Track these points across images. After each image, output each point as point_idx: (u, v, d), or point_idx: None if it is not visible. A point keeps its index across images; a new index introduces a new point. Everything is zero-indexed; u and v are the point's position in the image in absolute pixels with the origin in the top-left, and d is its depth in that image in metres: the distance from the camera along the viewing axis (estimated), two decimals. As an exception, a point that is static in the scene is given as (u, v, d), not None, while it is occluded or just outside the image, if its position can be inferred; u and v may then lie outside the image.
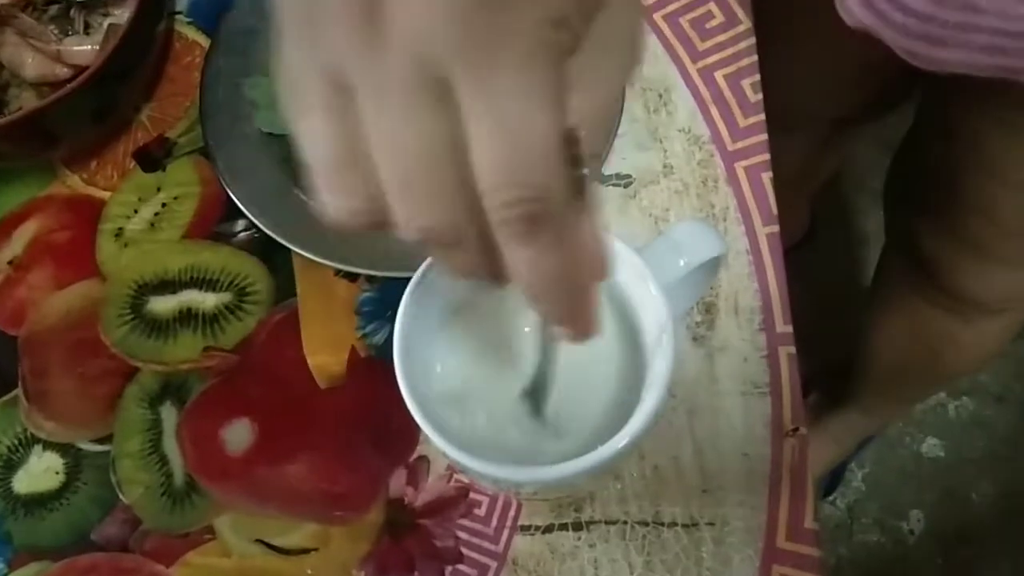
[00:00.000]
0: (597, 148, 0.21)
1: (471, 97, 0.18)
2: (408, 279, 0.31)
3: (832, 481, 1.14)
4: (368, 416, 0.42)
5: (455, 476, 0.40)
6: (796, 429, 0.40)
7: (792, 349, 0.41)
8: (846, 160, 1.09)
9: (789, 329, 0.42)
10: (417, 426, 0.29)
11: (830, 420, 1.07)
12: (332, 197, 0.20)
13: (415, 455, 0.41)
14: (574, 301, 0.22)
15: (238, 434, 0.42)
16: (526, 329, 0.34)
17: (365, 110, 0.19)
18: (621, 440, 0.28)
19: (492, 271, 0.21)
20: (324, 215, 0.21)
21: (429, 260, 0.31)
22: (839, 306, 1.19)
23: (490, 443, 0.32)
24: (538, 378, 0.31)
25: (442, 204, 0.19)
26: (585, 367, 0.33)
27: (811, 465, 0.39)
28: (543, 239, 0.20)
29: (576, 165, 0.20)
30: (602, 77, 0.21)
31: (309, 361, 0.43)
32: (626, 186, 0.45)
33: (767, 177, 0.44)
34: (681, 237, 0.32)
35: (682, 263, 0.31)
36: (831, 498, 1.14)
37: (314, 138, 0.20)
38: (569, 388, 0.33)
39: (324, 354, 0.43)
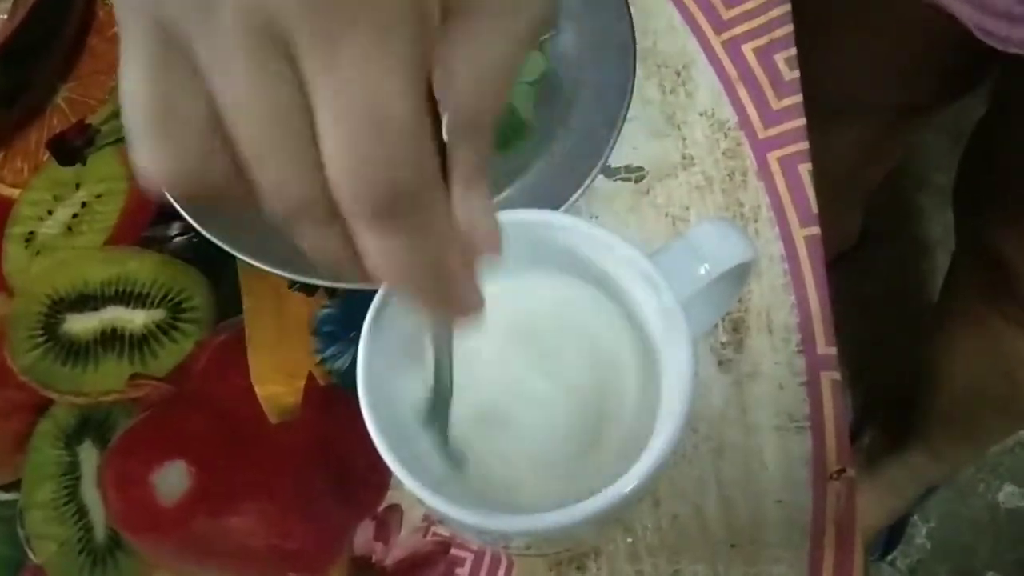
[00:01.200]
0: (482, 119, 0.23)
1: (315, 71, 0.19)
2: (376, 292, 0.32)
3: (891, 538, 1.14)
4: (329, 457, 0.42)
5: (433, 528, 0.41)
6: (842, 471, 0.40)
7: (836, 375, 0.42)
8: (907, 153, 1.11)
9: (833, 351, 0.42)
10: (388, 468, 0.30)
11: (888, 464, 1.07)
12: (155, 160, 0.20)
13: (385, 504, 0.41)
14: (443, 285, 0.23)
15: (172, 479, 0.42)
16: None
17: (204, 67, 0.20)
18: (628, 483, 0.28)
19: (356, 256, 0.22)
20: (147, 177, 0.21)
21: None
22: (897, 327, 1.20)
23: (476, 487, 0.33)
24: (436, 393, 0.32)
25: (299, 177, 0.20)
26: (587, 394, 0.34)
27: (863, 517, 0.40)
28: (398, 229, 0.21)
29: (474, 139, 0.22)
30: (483, 41, 0.22)
31: (258, 391, 0.43)
32: (638, 180, 0.46)
33: (805, 169, 0.45)
34: (702, 239, 0.32)
35: (703, 271, 0.32)
36: (890, 558, 1.14)
37: (134, 91, 0.20)
38: (570, 419, 0.33)
39: (276, 383, 0.43)
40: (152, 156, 0.21)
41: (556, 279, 0.35)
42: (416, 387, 0.34)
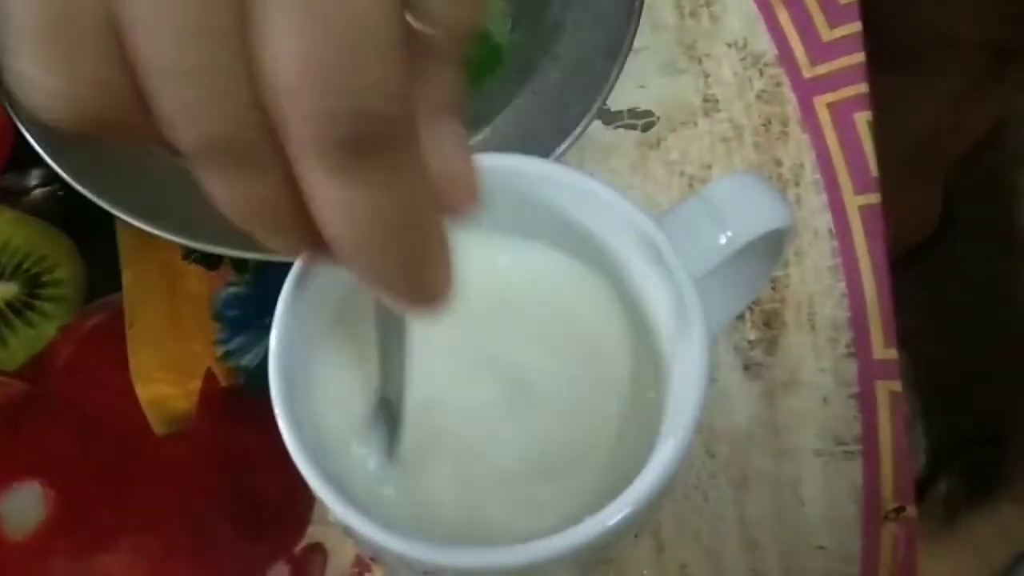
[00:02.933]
0: (459, 30, 0.22)
1: None
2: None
3: (974, 613, 1.15)
4: (231, 479, 0.42)
5: (366, 574, 0.41)
6: (901, 509, 0.41)
7: (897, 385, 0.43)
8: (1002, 118, 1.11)
9: (893, 355, 0.43)
10: (309, 495, 0.30)
11: (971, 520, 1.08)
12: (43, 72, 0.20)
13: (304, 542, 0.41)
14: (414, 256, 0.23)
15: (22, 506, 0.42)
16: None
17: None
18: (615, 514, 0.29)
19: (297, 215, 0.22)
20: (31, 101, 0.21)
21: None
22: (985, 344, 1.21)
23: (424, 515, 0.33)
24: (385, 393, 0.32)
25: (225, 96, 0.20)
26: (567, 398, 0.34)
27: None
28: (373, 174, 0.21)
29: (446, 57, 0.22)
30: None
31: (139, 392, 0.43)
32: (645, 129, 0.46)
33: (863, 119, 0.46)
34: (723, 198, 0.32)
35: (724, 239, 0.32)
36: (972, 640, 1.15)
37: None
38: (544, 427, 0.34)
39: (163, 382, 0.43)
40: (43, 71, 0.20)
41: (533, 246, 0.36)
42: (350, 385, 0.35)
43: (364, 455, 0.33)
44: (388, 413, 0.33)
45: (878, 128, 0.47)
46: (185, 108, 0.20)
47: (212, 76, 0.20)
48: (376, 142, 0.20)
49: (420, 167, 0.22)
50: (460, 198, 0.24)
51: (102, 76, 0.20)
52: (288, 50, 0.19)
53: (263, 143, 0.20)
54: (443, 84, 0.23)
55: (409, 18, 0.21)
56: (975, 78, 0.81)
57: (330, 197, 0.21)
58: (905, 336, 0.44)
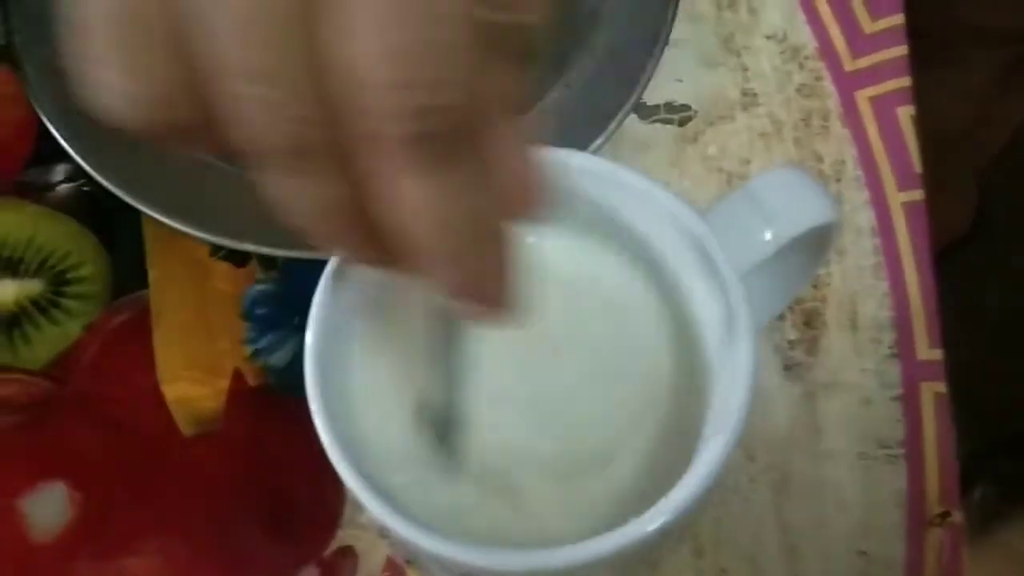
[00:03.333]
0: (532, 7, 0.22)
1: None
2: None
3: (1012, 622, 1.14)
4: (260, 481, 0.42)
5: (398, 579, 0.41)
6: (947, 514, 0.41)
7: (942, 387, 0.42)
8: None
9: (938, 356, 0.43)
10: (340, 497, 0.30)
11: (1007, 527, 1.08)
12: (114, 74, 0.20)
13: (334, 545, 0.41)
14: (487, 257, 0.23)
15: (49, 507, 0.42)
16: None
17: None
18: (653, 520, 0.29)
19: (362, 218, 0.22)
20: (101, 107, 0.21)
21: None
22: (1023, 347, 1.20)
23: (463, 515, 0.33)
24: (442, 400, 0.32)
25: (299, 97, 0.20)
26: (605, 395, 0.34)
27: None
28: (456, 170, 0.20)
29: (512, 53, 0.21)
30: None
31: (166, 392, 0.43)
32: (682, 123, 0.46)
33: (906, 114, 0.45)
34: (767, 193, 0.32)
35: (768, 236, 0.32)
36: (1009, 650, 1.14)
37: None
38: (579, 425, 0.34)
39: (191, 382, 0.43)
40: (114, 73, 0.20)
41: (573, 240, 0.35)
42: (389, 384, 0.35)
43: (404, 453, 0.33)
44: (435, 420, 0.33)
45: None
46: (254, 110, 0.20)
47: (282, 76, 0.19)
48: (459, 139, 0.20)
49: (500, 163, 0.22)
50: (527, 202, 0.24)
51: (173, 78, 0.20)
52: (369, 45, 0.19)
53: (333, 144, 0.20)
54: (508, 81, 0.22)
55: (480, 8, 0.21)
56: (1006, 70, 0.81)
57: (410, 196, 0.21)
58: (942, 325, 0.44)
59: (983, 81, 0.82)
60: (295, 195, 0.22)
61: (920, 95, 0.47)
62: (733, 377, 0.30)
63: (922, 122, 0.46)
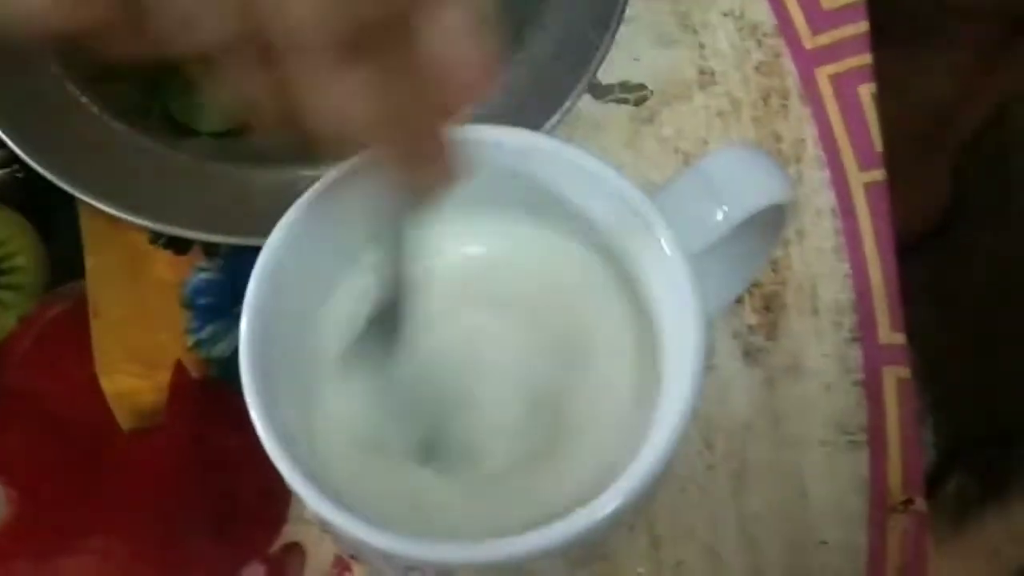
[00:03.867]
0: None
1: None
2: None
3: (989, 617, 1.15)
4: (203, 477, 0.42)
5: (347, 574, 0.41)
6: (910, 502, 0.41)
7: (905, 371, 0.42)
8: (1013, 93, 1.11)
9: (901, 339, 0.43)
10: (287, 491, 0.30)
11: (982, 520, 1.08)
12: None
13: (281, 542, 0.41)
14: (421, 136, 0.25)
15: (-18, 506, 0.41)
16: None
17: None
18: (606, 505, 0.28)
19: (284, 99, 0.23)
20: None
21: (299, 204, 0.32)
22: (998, 337, 1.20)
23: (411, 509, 0.33)
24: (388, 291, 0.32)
25: (218, 14, 0.21)
26: (558, 382, 0.34)
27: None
28: (379, 61, 0.22)
29: None
30: None
31: (104, 386, 0.43)
32: (638, 103, 0.46)
33: (868, 91, 0.45)
34: (719, 172, 0.32)
35: (721, 215, 0.32)
36: (985, 643, 1.15)
37: None
38: (531, 412, 0.33)
39: (130, 375, 0.43)
40: None
41: (523, 224, 0.35)
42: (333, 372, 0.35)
43: (355, 442, 0.33)
44: (393, 317, 0.32)
45: (882, 104, 0.46)
46: (182, 22, 0.21)
47: None
48: (378, 33, 0.21)
49: (418, 51, 0.23)
50: (474, 82, 0.25)
51: None
52: None
53: (259, 44, 0.21)
54: None
55: None
56: (985, 50, 0.81)
57: (333, 89, 0.22)
58: (913, 328, 0.43)
59: (958, 61, 0.82)
60: (230, 87, 0.23)
61: (892, 75, 0.47)
62: (683, 359, 0.30)
63: (893, 103, 0.46)
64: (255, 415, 0.30)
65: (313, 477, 0.30)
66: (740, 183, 0.32)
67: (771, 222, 0.34)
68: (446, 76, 0.24)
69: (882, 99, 0.46)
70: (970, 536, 1.09)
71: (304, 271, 0.33)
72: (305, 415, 0.34)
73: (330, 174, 0.32)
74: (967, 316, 1.19)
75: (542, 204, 0.34)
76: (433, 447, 0.34)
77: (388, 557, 0.30)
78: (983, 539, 1.08)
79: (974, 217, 1.23)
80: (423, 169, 0.26)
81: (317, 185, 0.32)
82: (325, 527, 0.31)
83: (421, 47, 0.23)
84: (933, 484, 1.09)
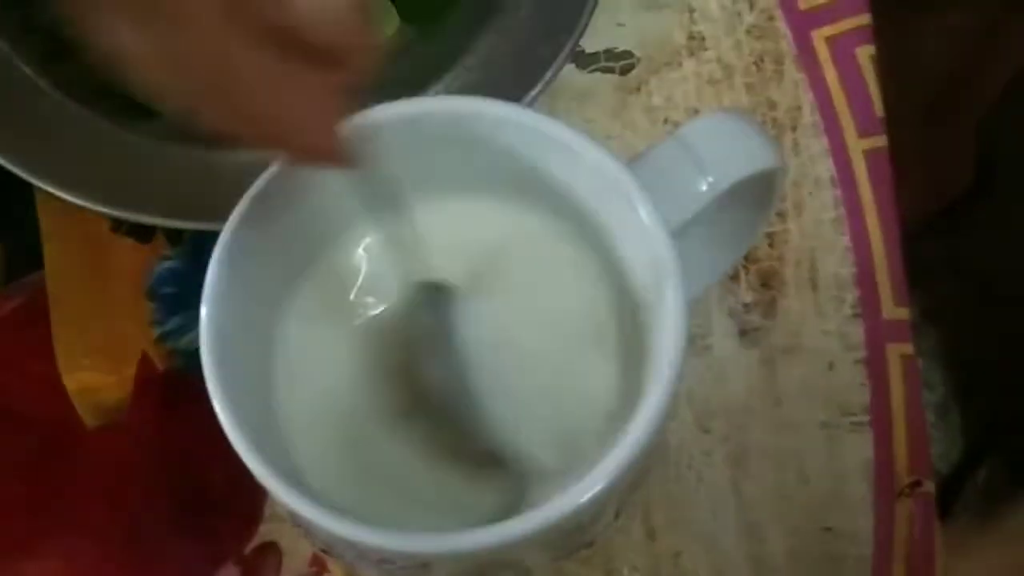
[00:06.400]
0: None
1: None
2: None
3: (1020, 611, 1.15)
4: (171, 473, 0.42)
5: (326, 574, 0.41)
6: (917, 484, 0.41)
7: (909, 348, 0.43)
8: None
9: (904, 314, 0.43)
10: (261, 489, 0.30)
11: (1014, 510, 1.08)
12: None
13: (256, 541, 0.42)
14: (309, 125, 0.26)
15: (-61, 510, 0.42)
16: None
17: None
18: (585, 491, 0.29)
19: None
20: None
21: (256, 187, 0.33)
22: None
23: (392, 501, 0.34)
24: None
25: None
26: (538, 366, 0.35)
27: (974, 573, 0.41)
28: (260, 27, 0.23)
29: None
30: None
31: (66, 381, 0.43)
32: (624, 72, 0.46)
33: (866, 54, 0.46)
34: (701, 139, 0.32)
35: (704, 185, 0.32)
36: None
37: None
38: (510, 399, 0.34)
39: (92, 369, 0.43)
40: None
41: (498, 202, 0.36)
42: (296, 361, 0.35)
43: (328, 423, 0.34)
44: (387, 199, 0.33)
45: (891, 70, 0.47)
46: None
47: None
48: None
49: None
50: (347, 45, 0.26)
51: None
52: None
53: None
54: None
55: None
56: (996, 11, 0.81)
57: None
58: (935, 307, 0.44)
59: (967, 23, 0.82)
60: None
61: (901, 39, 0.47)
62: (662, 336, 0.30)
63: (904, 68, 0.46)
64: (218, 406, 0.31)
65: (280, 468, 0.30)
66: (724, 150, 0.33)
67: (760, 192, 0.34)
68: (323, 42, 0.25)
69: (890, 64, 0.47)
70: (1001, 527, 1.09)
71: (266, 254, 0.33)
72: (267, 401, 0.34)
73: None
74: (995, 291, 1.19)
75: (520, 180, 0.34)
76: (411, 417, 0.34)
77: (361, 550, 0.30)
78: (1016, 530, 1.08)
79: (1004, 185, 1.23)
80: (312, 157, 0.28)
81: (274, 166, 0.33)
82: (294, 520, 0.31)
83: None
84: (962, 475, 1.09)
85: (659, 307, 0.31)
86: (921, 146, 0.45)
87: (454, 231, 0.36)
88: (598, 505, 0.29)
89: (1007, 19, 0.83)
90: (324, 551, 0.38)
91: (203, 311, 0.32)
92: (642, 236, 0.32)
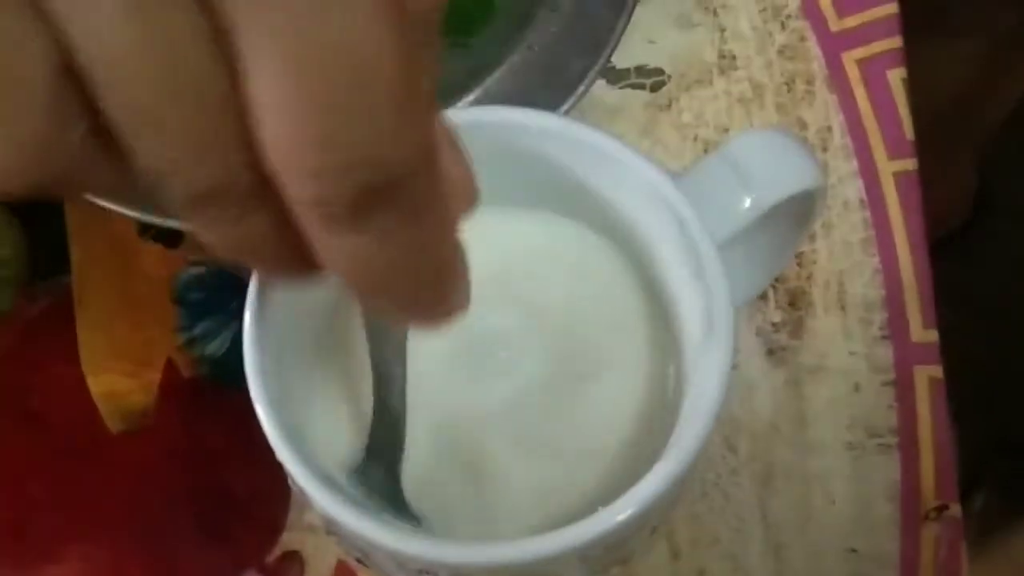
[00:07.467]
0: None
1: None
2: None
3: (1014, 639, 1.15)
4: (194, 480, 0.42)
5: (350, 584, 0.41)
6: (944, 507, 0.41)
7: (938, 371, 0.43)
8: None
9: (934, 337, 0.43)
10: (284, 497, 0.30)
11: (1010, 538, 1.08)
12: None
13: (279, 549, 0.41)
14: (432, 281, 0.23)
15: (-39, 513, 0.42)
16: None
17: (54, 5, 0.18)
18: (621, 511, 0.29)
19: (296, 255, 0.21)
20: None
21: None
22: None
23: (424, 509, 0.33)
24: (379, 428, 0.32)
25: (217, 149, 0.19)
26: (572, 382, 0.34)
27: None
28: (381, 221, 0.20)
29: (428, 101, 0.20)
30: None
31: (91, 385, 0.43)
32: (655, 89, 0.47)
33: (898, 77, 0.46)
34: (746, 156, 0.32)
35: (748, 202, 0.32)
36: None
37: None
38: (546, 413, 0.34)
39: (118, 373, 0.43)
40: None
41: (534, 213, 0.36)
42: (338, 379, 0.35)
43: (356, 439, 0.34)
44: (390, 440, 0.33)
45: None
46: (172, 163, 0.19)
47: (198, 128, 0.19)
48: (391, 193, 0.20)
49: (441, 198, 0.22)
50: (459, 199, 0.24)
51: (48, 142, 0.19)
52: (278, 108, 0.18)
53: (258, 190, 0.20)
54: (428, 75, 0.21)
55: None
56: (1004, 38, 0.82)
57: (334, 247, 0.20)
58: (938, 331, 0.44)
59: (977, 50, 0.82)
60: (219, 236, 0.21)
61: (916, 64, 0.47)
62: (710, 359, 0.30)
63: (918, 95, 0.46)
64: (262, 413, 0.30)
65: (322, 476, 0.30)
66: (769, 167, 0.32)
67: (801, 211, 0.34)
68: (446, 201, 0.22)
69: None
70: (996, 555, 1.09)
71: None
72: (306, 407, 0.34)
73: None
74: (995, 317, 1.20)
75: (557, 191, 0.34)
76: (439, 447, 0.34)
77: (400, 559, 0.30)
78: (1011, 558, 1.08)
79: (1003, 212, 1.24)
80: (428, 315, 0.24)
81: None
82: (331, 529, 0.31)
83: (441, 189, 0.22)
84: (960, 496, 1.09)
85: (703, 329, 0.31)
86: (923, 172, 0.45)
87: (491, 243, 0.36)
88: (638, 523, 0.29)
89: (1013, 47, 0.83)
90: (360, 560, 0.38)
91: (247, 317, 0.31)
92: (689, 256, 0.32)
